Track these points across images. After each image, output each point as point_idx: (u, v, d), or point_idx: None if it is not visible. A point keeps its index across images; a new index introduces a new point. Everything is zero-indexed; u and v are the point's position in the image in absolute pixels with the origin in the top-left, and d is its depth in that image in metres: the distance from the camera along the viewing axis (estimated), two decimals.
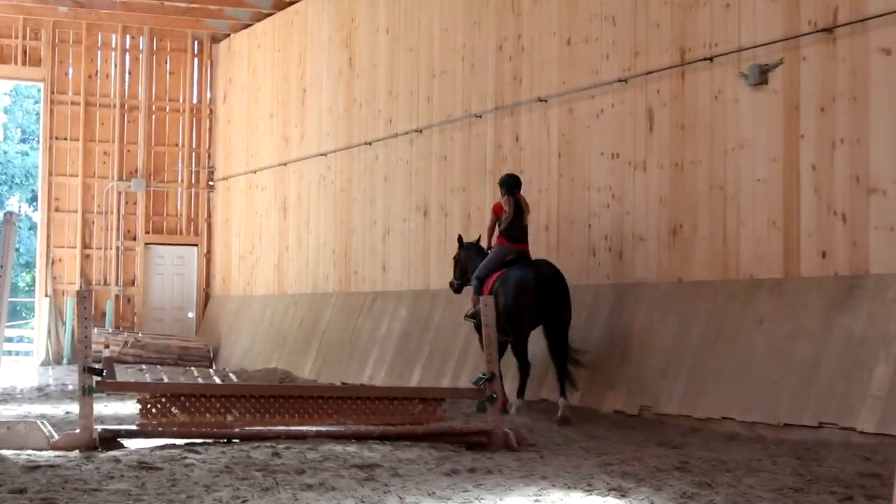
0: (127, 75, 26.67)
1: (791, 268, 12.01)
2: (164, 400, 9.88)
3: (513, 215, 13.93)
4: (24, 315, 42.26)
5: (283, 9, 24.02)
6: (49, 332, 25.50)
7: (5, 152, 50.05)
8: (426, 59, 18.62)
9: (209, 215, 27.13)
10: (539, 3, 15.93)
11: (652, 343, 13.34)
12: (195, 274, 27.10)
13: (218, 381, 20.34)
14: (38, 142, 31.30)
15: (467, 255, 14.92)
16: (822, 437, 10.77)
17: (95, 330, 23.85)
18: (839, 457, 9.61)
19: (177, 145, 27.00)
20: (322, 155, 21.76)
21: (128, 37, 26.67)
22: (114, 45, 26.60)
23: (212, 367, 24.29)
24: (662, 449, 10.40)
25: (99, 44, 26.51)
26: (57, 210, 26.06)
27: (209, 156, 27.16)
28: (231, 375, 21.46)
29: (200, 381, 20.44)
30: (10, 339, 34.14)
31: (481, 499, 7.22)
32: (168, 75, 27.00)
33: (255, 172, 24.78)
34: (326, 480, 7.80)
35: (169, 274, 26.94)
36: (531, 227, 14.59)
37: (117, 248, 26.25)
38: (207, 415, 9.91)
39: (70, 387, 17.82)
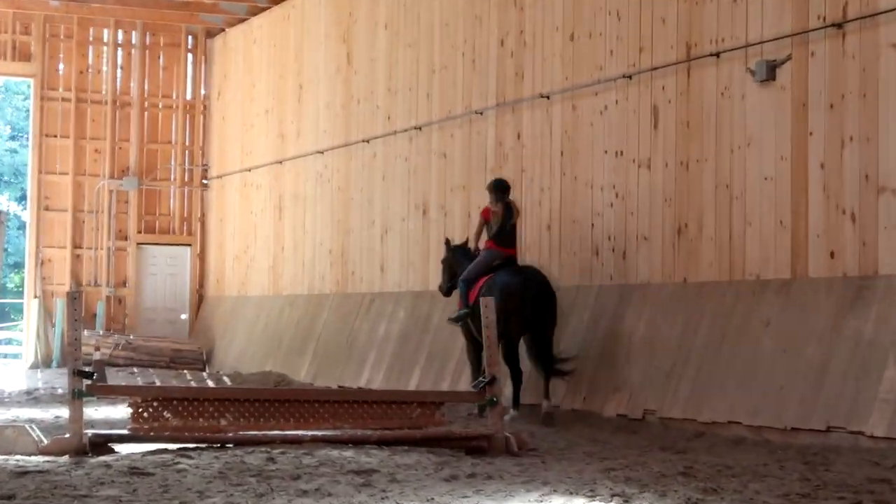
0: (119, 71, 26.67)
1: (799, 268, 12.01)
2: (156, 404, 9.89)
3: (502, 220, 14.24)
4: (12, 317, 42.26)
5: (280, 3, 24.02)
6: (38, 335, 25.49)
7: None
8: (426, 54, 18.63)
9: (203, 214, 27.13)
10: None
11: (656, 345, 13.34)
12: (188, 274, 27.09)
13: (211, 384, 20.35)
14: (27, 139, 31.31)
15: (455, 258, 15.15)
16: (830, 441, 10.77)
17: (86, 332, 23.83)
18: (848, 462, 9.61)
19: (170, 143, 26.99)
20: (319, 153, 21.76)
21: (120, 31, 26.67)
22: (106, 40, 26.59)
23: (205, 370, 24.29)
24: (667, 454, 10.41)
25: (91, 38, 26.49)
26: (47, 209, 26.05)
27: (203, 153, 27.16)
28: (225, 378, 21.47)
29: (193, 384, 20.45)
30: None
31: None
32: (161, 71, 26.99)
33: (250, 171, 24.78)
34: (323, 486, 7.81)
35: (162, 274, 26.93)
36: (527, 229, 14.60)
37: (109, 248, 26.24)
38: (200, 419, 9.93)
39: (59, 390, 17.82)
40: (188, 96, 27.20)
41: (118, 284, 26.36)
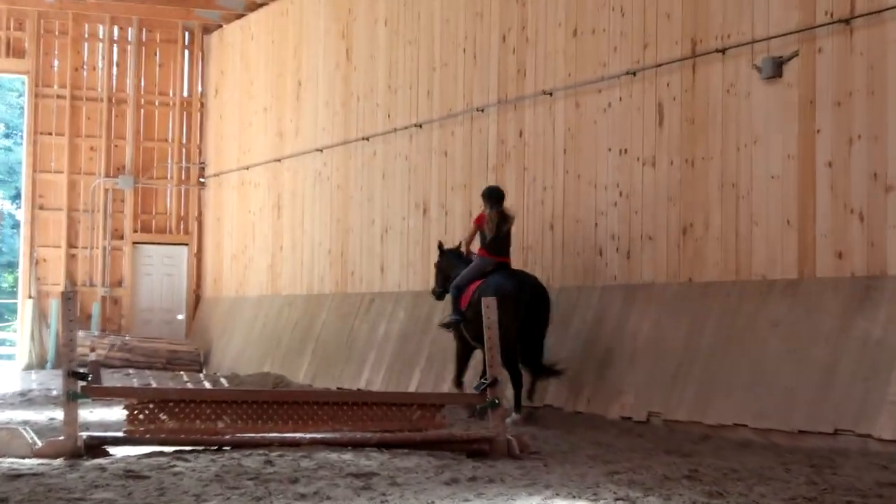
0: (115, 68, 26.65)
1: (806, 268, 12.01)
2: (152, 406, 9.89)
3: (496, 229, 14.32)
4: (6, 317, 42.27)
5: None
6: (32, 335, 25.49)
7: None
8: (426, 51, 18.62)
9: (200, 213, 27.13)
10: None
11: (661, 346, 13.33)
12: (185, 274, 27.09)
13: (208, 385, 20.34)
14: (21, 137, 31.33)
15: (449, 262, 15.27)
16: (838, 444, 10.77)
17: (81, 333, 23.85)
18: (856, 465, 9.61)
19: (166, 141, 26.98)
20: (318, 151, 21.76)
21: (116, 28, 26.65)
22: (101, 37, 26.58)
23: (202, 372, 24.29)
24: (672, 457, 10.40)
25: (86, 35, 26.49)
26: (41, 208, 26.05)
27: (200, 152, 27.15)
28: (222, 380, 21.47)
29: (190, 385, 20.44)
30: None
31: None
32: (157, 68, 26.98)
33: (247, 169, 24.78)
34: (321, 490, 7.81)
35: (158, 274, 26.93)
36: (529, 229, 14.60)
37: (104, 248, 26.24)
38: (197, 421, 9.92)
39: (54, 392, 17.83)
40: (185, 93, 27.19)
41: (114, 284, 26.36)
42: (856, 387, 10.92)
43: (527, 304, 13.67)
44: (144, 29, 26.81)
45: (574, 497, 7.72)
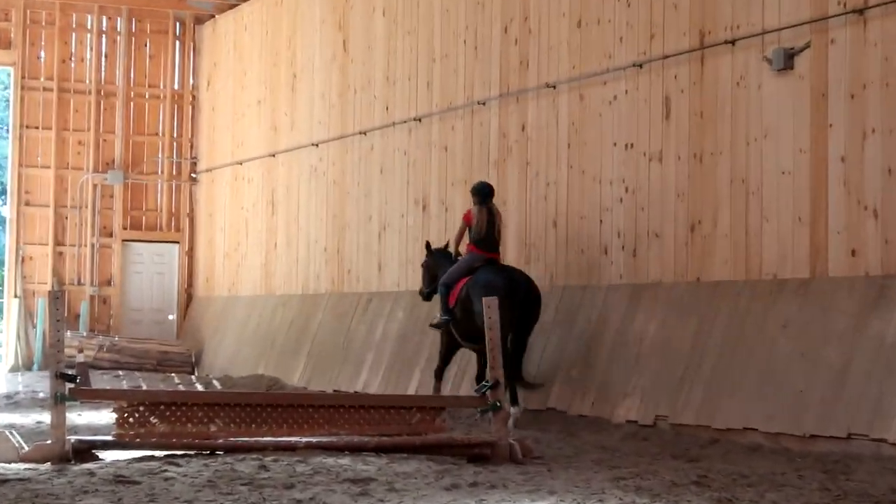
0: (103, 59, 26.63)
1: (818, 267, 12.00)
2: (142, 409, 9.89)
3: (485, 225, 14.58)
4: None
5: None
6: (19, 336, 25.49)
7: None
8: (426, 42, 18.62)
9: (192, 210, 27.13)
10: None
11: (668, 347, 13.34)
12: (176, 273, 27.09)
13: (201, 388, 20.35)
14: (7, 130, 31.33)
15: (436, 262, 15.57)
16: (851, 449, 10.77)
17: (69, 333, 23.84)
18: (870, 470, 9.62)
19: (157, 135, 26.97)
20: (314, 145, 21.76)
21: (104, 18, 26.64)
22: (89, 27, 26.57)
23: (194, 374, 24.30)
24: (679, 462, 10.41)
25: (73, 25, 26.48)
26: (28, 204, 26.04)
27: (192, 146, 27.14)
28: (215, 382, 21.47)
29: (182, 388, 20.45)
30: None
31: None
32: (148, 59, 26.97)
33: (241, 164, 24.77)
34: (317, 495, 7.81)
35: (148, 273, 26.93)
36: (532, 225, 14.63)
37: (93, 246, 26.23)
38: (189, 425, 9.92)
39: (41, 394, 17.84)
40: (176, 86, 27.18)
41: (102, 283, 26.36)
42: (870, 389, 10.92)
43: (520, 304, 13.77)
44: (134, 19, 26.80)
45: (578, 503, 7.72)
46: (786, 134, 12.43)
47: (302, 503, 7.55)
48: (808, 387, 11.47)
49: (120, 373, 23.18)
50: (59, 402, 9.58)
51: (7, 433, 9.73)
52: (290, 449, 9.68)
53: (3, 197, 42.36)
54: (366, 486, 8.22)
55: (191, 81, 27.26)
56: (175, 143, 27.06)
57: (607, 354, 14.05)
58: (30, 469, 8.94)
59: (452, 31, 17.94)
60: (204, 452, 9.71)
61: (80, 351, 21.56)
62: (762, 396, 11.90)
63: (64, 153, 26.21)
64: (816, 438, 11.17)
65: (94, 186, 26.29)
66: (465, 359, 15.52)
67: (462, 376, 15.90)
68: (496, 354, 10.29)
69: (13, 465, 9.13)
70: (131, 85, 26.75)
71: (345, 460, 9.39)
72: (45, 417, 12.81)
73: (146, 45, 26.96)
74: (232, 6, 25.77)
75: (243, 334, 23.80)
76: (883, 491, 8.43)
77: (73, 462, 9.32)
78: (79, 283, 26.13)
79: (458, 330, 14.64)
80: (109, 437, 9.87)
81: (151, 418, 9.86)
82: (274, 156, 23.32)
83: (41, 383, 20.02)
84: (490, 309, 10.42)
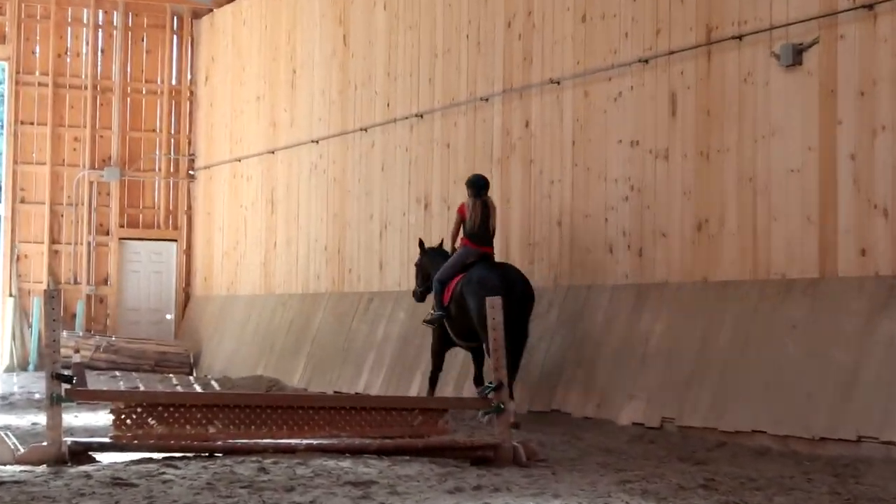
0: (100, 54, 26.65)
1: (828, 267, 12.00)
2: (139, 410, 9.89)
3: (479, 219, 14.69)
4: None
5: None
6: (14, 336, 25.50)
7: None
8: (428, 37, 18.62)
9: (189, 208, 27.13)
10: None
11: (675, 349, 13.34)
12: (174, 272, 27.10)
13: (199, 389, 20.35)
14: (1, 126, 31.32)
15: (430, 261, 15.71)
16: (861, 452, 10.77)
17: (65, 333, 23.87)
18: (880, 474, 9.62)
19: (154, 131, 26.99)
20: (314, 142, 21.76)
21: (101, 12, 26.65)
22: (85, 21, 26.58)
23: (192, 374, 24.30)
24: (686, 465, 10.41)
25: (69, 19, 26.48)
26: (23, 201, 26.04)
27: (189, 142, 27.16)
28: (213, 383, 21.48)
29: (180, 389, 20.45)
30: None
31: None
32: (145, 54, 26.98)
33: (239, 161, 24.78)
34: (318, 498, 7.82)
35: (145, 272, 26.93)
36: (536, 224, 14.64)
37: (89, 244, 26.24)
38: (187, 426, 9.93)
39: (37, 395, 17.84)
40: (173, 81, 27.19)
41: (99, 282, 26.37)
42: (880, 391, 10.92)
43: (517, 301, 13.81)
44: (131, 13, 26.82)
45: None
46: (794, 131, 12.43)
47: None
48: (818, 389, 11.47)
49: (117, 373, 23.19)
50: (55, 403, 9.58)
51: (2, 435, 9.74)
52: (291, 451, 9.68)
53: None
54: (367, 490, 8.22)
55: (188, 77, 27.28)
56: (172, 140, 27.07)
57: (613, 355, 14.05)
58: (25, 471, 8.94)
59: (455, 25, 17.94)
60: (203, 454, 9.72)
61: (77, 351, 21.62)
62: (770, 398, 11.90)
63: (59, 149, 26.21)
64: (826, 441, 11.17)
65: (91, 183, 26.30)
66: (468, 360, 15.52)
67: (466, 377, 15.91)
68: (500, 355, 10.30)
69: (8, 468, 9.13)
70: (128, 80, 26.76)
71: (346, 463, 9.39)
72: (41, 419, 12.81)
73: (143, 40, 26.97)
74: (230, 0, 25.77)
75: (242, 335, 23.81)
76: (894, 494, 8.44)
77: (69, 464, 9.32)
78: (75, 282, 26.14)
79: (453, 328, 14.74)
80: (106, 439, 9.88)
81: (149, 420, 9.86)
82: (273, 153, 23.32)
83: (37, 384, 20.02)
84: (494, 309, 10.43)
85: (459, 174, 17.55)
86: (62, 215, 26.15)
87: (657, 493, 8.28)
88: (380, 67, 19.88)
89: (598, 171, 14.98)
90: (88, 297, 26.15)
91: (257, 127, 24.21)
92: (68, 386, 9.81)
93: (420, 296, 16.08)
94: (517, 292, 13.89)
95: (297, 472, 8.89)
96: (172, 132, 27.07)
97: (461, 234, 15.02)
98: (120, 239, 26.54)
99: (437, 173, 18.16)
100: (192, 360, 24.99)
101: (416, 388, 16.98)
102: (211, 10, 26.59)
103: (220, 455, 9.68)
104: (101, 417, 13.78)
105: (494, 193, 16.14)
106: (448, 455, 10.06)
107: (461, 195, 17.30)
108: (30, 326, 25.48)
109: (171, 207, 27.06)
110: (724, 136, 13.27)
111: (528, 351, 14.61)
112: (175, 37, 27.23)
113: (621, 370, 13.87)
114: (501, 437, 10.07)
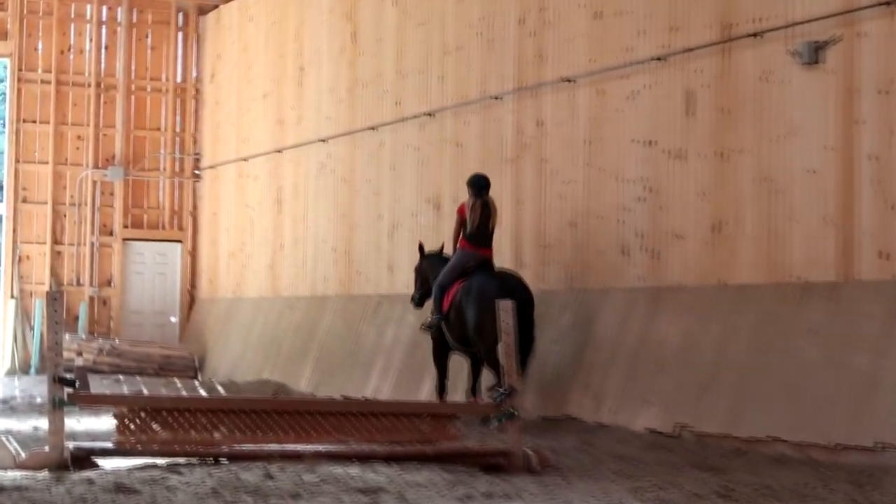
0: (103, 51, 26.66)
1: (847, 270, 11.99)
2: (143, 414, 9.91)
3: (478, 219, 14.82)
4: None
5: None
6: (15, 338, 25.53)
7: None
8: (438, 33, 18.62)
9: (195, 208, 27.16)
10: None
11: (690, 354, 13.33)
12: (179, 274, 27.12)
13: (204, 393, 20.37)
14: (3, 125, 31.38)
15: (430, 265, 15.83)
16: (881, 460, 10.76)
17: (67, 336, 23.89)
18: None
19: (159, 129, 27.00)
20: (321, 141, 21.78)
21: (104, 8, 26.67)
22: (89, 17, 26.60)
23: (197, 378, 24.31)
24: (702, 472, 10.40)
25: (72, 15, 26.51)
26: (24, 201, 26.07)
27: (195, 141, 27.18)
28: (219, 387, 21.50)
29: (184, 393, 20.47)
30: None
31: None
32: (149, 51, 26.99)
33: (246, 160, 24.80)
34: None
35: (150, 273, 26.96)
36: (548, 226, 14.64)
37: (92, 245, 26.27)
38: (192, 432, 9.94)
39: (38, 399, 17.86)
40: (178, 79, 27.21)
41: (102, 284, 26.39)
42: None
43: (518, 310, 13.77)
44: (135, 9, 26.82)
45: None
46: (813, 131, 12.41)
47: None
48: (836, 395, 11.46)
49: (120, 377, 23.18)
50: (57, 407, 9.60)
51: (3, 439, 9.76)
52: (297, 457, 9.70)
53: None
54: (375, 497, 8.23)
55: (194, 74, 27.28)
56: (177, 139, 27.09)
57: (627, 360, 14.05)
58: (27, 477, 8.96)
59: (466, 22, 17.94)
60: (207, 460, 9.73)
61: (79, 354, 21.65)
62: (788, 405, 11.89)
63: (62, 148, 26.24)
64: (845, 449, 11.16)
65: (94, 183, 26.32)
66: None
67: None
68: (512, 361, 10.30)
69: (9, 473, 9.15)
70: (132, 78, 26.77)
71: (354, 469, 9.41)
72: (43, 423, 12.84)
73: (147, 36, 26.98)
74: None
75: (248, 338, 23.83)
76: None
77: (71, 470, 9.33)
78: (77, 283, 26.17)
79: (452, 334, 14.86)
80: (109, 444, 9.90)
81: (153, 425, 9.88)
82: (280, 152, 23.34)
83: (38, 388, 20.04)
84: (506, 314, 10.45)
85: (471, 173, 17.54)
86: (65, 215, 26.18)
87: (672, 502, 8.28)
88: (389, 65, 19.89)
89: (613, 172, 14.97)
90: (91, 299, 26.18)
91: (264, 125, 24.23)
92: (70, 390, 9.83)
93: (418, 301, 16.22)
94: (517, 300, 13.86)
95: (304, 478, 8.91)
96: (177, 131, 27.09)
97: (461, 236, 15.12)
98: (124, 240, 26.56)
99: (448, 173, 18.16)
100: (196, 364, 25.01)
101: (425, 392, 16.99)
102: (217, 7, 26.60)
103: (225, 461, 9.70)
104: (104, 422, 13.79)
105: (506, 194, 16.18)
106: (458, 462, 10.07)
107: None
108: (31, 329, 25.51)
109: (175, 208, 27.08)
110: (741, 136, 13.26)
111: (539, 355, 14.62)
112: (180, 33, 27.24)
113: (635, 375, 13.87)
114: (513, 444, 10.07)
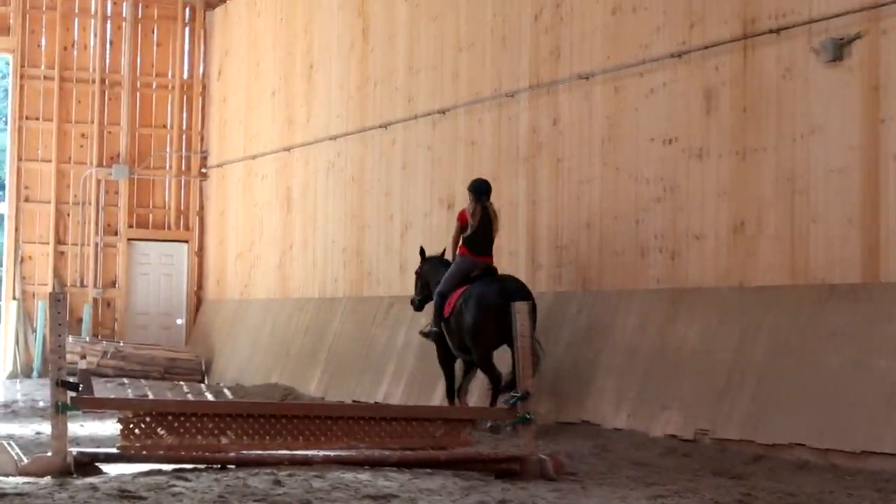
0: (108, 46, 26.73)
1: (871, 272, 11.97)
2: (148, 419, 9.91)
3: (478, 225, 15.02)
4: None
5: None
6: (17, 341, 25.58)
7: None
8: (451, 29, 18.63)
9: (201, 207, 27.20)
10: None
11: (710, 357, 13.32)
12: (185, 275, 27.16)
13: (211, 397, 20.40)
14: (5, 122, 31.44)
15: (431, 269, 16.05)
16: None
17: (70, 338, 23.93)
18: None
19: (165, 127, 27.06)
20: (331, 139, 21.80)
21: (109, 2, 26.73)
22: (93, 12, 26.66)
23: (204, 382, 24.35)
24: (721, 479, 10.40)
25: (76, 10, 26.57)
26: (27, 200, 26.14)
27: (202, 139, 27.23)
28: (226, 391, 21.52)
29: (191, 397, 20.50)
30: None
31: None
32: (155, 47, 27.06)
33: (254, 158, 24.83)
34: None
35: (155, 274, 27.00)
36: (564, 226, 14.62)
37: (96, 245, 26.32)
38: (198, 437, 9.95)
39: (41, 403, 17.90)
40: (185, 75, 27.27)
41: (106, 285, 26.44)
42: None
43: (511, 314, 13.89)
44: (141, 4, 26.89)
45: None
46: (835, 129, 12.40)
47: None
48: (859, 399, 11.45)
49: (125, 381, 23.25)
50: (60, 411, 9.61)
51: (5, 444, 9.77)
52: (307, 463, 9.70)
53: (1, 193, 42.56)
54: None
55: (201, 70, 27.34)
56: (184, 137, 27.14)
57: (645, 364, 14.04)
58: (29, 483, 8.96)
59: (479, 18, 17.94)
60: (214, 466, 9.74)
61: (83, 357, 21.67)
62: (810, 410, 11.88)
63: (66, 146, 26.29)
64: (868, 455, 11.14)
65: (98, 182, 26.37)
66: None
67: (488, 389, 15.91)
68: (525, 365, 10.30)
69: (11, 479, 9.16)
70: (137, 74, 26.83)
71: (365, 475, 9.40)
72: (46, 428, 12.86)
73: (153, 32, 27.05)
74: None
75: (257, 340, 23.85)
76: None
77: (74, 476, 9.34)
78: (81, 284, 26.22)
79: (453, 341, 14.96)
80: (113, 450, 9.90)
81: (158, 429, 9.88)
82: (289, 150, 23.37)
83: (41, 391, 20.10)
84: (521, 315, 10.44)
85: (484, 173, 17.52)
86: (68, 215, 26.23)
87: None
88: (401, 61, 19.90)
89: (630, 171, 14.97)
90: (95, 300, 26.23)
91: (272, 123, 24.25)
92: (74, 394, 9.85)
93: (419, 304, 16.41)
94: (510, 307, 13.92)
95: (314, 485, 8.91)
96: (184, 128, 27.14)
97: (461, 242, 15.25)
98: (128, 240, 26.61)
99: (461, 172, 18.15)
100: (203, 368, 25.05)
101: (438, 397, 16.99)
102: (224, 1, 26.65)
103: (232, 467, 9.70)
104: (108, 427, 13.82)
105: (521, 193, 16.19)
106: (472, 468, 10.07)
107: None
108: (34, 331, 25.56)
109: (182, 207, 27.12)
110: (761, 135, 13.25)
111: (555, 359, 14.63)
112: (187, 29, 27.30)
113: (654, 379, 13.86)
114: (528, 450, 10.07)
